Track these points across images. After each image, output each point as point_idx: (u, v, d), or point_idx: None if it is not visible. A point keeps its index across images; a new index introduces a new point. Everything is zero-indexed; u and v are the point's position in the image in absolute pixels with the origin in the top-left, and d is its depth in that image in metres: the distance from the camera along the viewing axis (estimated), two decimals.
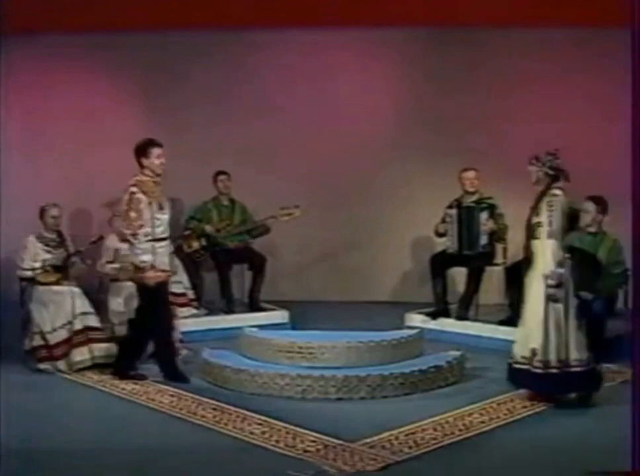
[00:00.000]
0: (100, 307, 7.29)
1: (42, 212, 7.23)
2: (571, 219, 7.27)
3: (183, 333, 7.46)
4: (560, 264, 5.78)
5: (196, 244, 8.62)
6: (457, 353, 6.67)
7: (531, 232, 5.93)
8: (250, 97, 9.40)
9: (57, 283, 7.06)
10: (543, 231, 5.85)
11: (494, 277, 8.37)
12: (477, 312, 8.20)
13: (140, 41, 9.42)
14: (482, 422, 5.51)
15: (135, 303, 7.21)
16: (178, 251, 8.40)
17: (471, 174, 8.17)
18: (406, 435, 5.21)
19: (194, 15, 8.86)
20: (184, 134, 9.45)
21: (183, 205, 9.34)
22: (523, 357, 5.90)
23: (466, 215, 8.07)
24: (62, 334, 6.85)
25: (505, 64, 9.32)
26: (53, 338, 6.84)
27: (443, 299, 8.19)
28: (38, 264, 7.07)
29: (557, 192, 5.93)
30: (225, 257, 8.61)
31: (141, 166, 6.49)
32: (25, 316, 7.06)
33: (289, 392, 6.07)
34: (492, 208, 8.05)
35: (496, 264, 8.20)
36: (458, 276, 8.46)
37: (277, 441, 5.11)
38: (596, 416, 5.66)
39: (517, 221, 8.00)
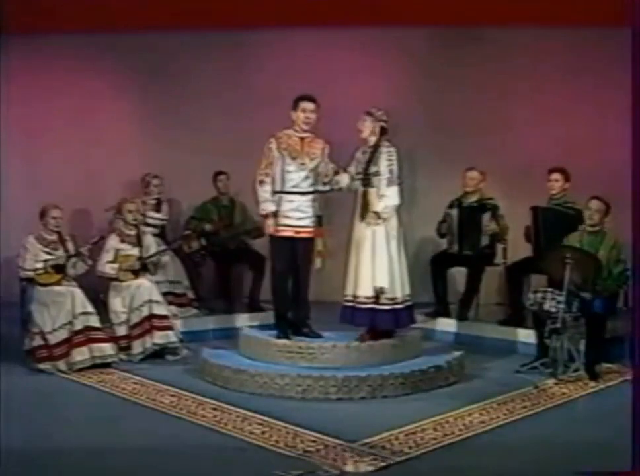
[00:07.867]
0: (100, 307, 7.29)
1: (43, 213, 7.20)
2: (574, 219, 7.31)
3: (183, 333, 7.50)
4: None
5: (195, 244, 8.61)
6: (457, 353, 6.67)
7: (365, 181, 6.37)
8: (250, 97, 9.39)
9: (57, 283, 7.06)
10: (382, 179, 6.31)
11: (494, 277, 8.36)
12: (477, 312, 8.20)
13: (139, 41, 9.41)
14: (482, 422, 5.51)
15: (137, 302, 7.25)
16: (178, 251, 8.43)
17: (474, 173, 8.15)
18: (406, 435, 5.20)
19: (193, 15, 8.86)
20: (183, 134, 9.46)
21: (182, 205, 9.36)
22: (366, 297, 6.32)
23: (467, 216, 8.07)
24: (62, 334, 6.83)
25: (505, 64, 9.31)
26: (53, 338, 6.83)
27: (443, 299, 8.19)
28: (39, 265, 7.06)
29: (390, 145, 6.44)
30: (225, 257, 8.62)
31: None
32: (25, 316, 7.05)
33: (289, 392, 6.06)
34: (494, 209, 8.04)
35: (496, 264, 8.20)
36: (458, 276, 8.45)
37: (277, 441, 5.10)
38: (596, 416, 5.67)
39: (518, 221, 8.05)
